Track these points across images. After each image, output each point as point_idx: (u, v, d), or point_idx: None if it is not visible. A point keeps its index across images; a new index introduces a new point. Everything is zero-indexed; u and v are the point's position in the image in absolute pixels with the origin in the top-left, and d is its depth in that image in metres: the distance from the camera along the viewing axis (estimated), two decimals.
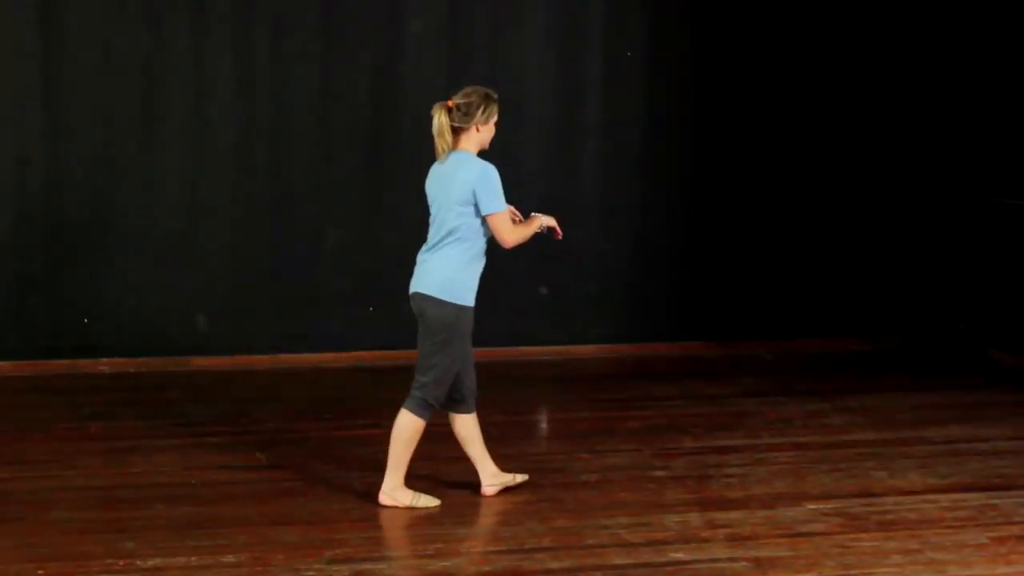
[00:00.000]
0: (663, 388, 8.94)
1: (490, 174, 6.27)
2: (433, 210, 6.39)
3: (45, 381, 8.89)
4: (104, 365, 9.19)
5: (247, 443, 7.44)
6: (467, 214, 6.27)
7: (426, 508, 6.36)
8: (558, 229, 6.51)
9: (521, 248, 8.09)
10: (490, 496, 6.53)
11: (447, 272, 6.29)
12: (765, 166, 10.08)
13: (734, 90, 10.00)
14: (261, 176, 9.44)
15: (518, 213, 6.55)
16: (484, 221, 6.29)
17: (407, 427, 6.35)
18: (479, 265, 6.37)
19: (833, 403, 8.49)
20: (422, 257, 6.42)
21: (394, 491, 6.36)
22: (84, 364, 9.15)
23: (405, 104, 9.55)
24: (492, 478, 6.57)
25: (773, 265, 10.14)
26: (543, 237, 6.58)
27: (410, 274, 9.49)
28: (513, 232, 6.33)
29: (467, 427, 6.52)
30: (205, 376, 9.11)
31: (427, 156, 9.59)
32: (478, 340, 6.79)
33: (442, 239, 6.31)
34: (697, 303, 10.09)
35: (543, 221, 6.46)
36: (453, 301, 6.29)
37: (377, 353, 9.53)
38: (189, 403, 8.39)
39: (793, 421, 8.08)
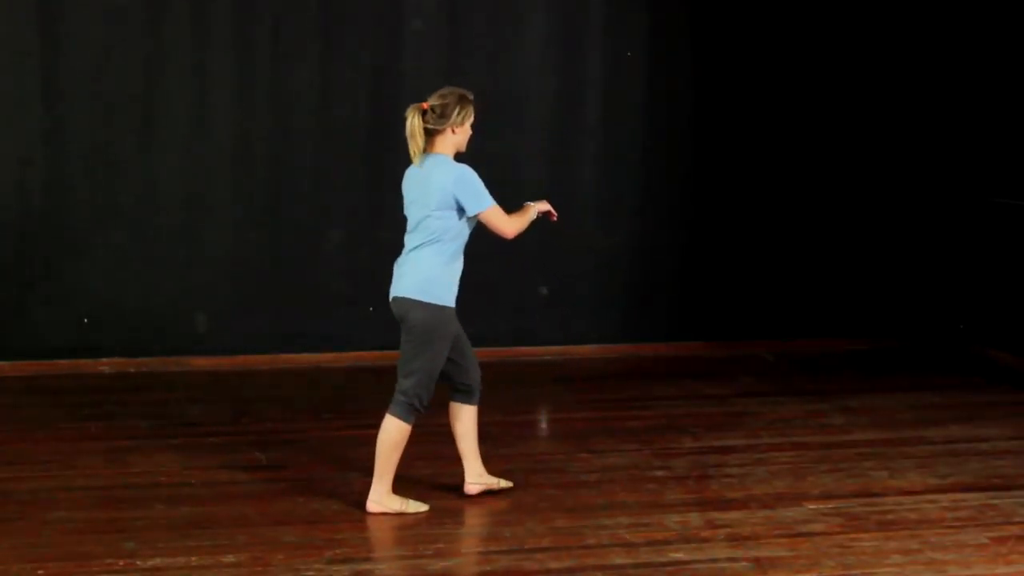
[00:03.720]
0: (663, 388, 8.94)
1: (467, 175, 6.15)
2: (409, 214, 6.27)
3: (45, 381, 8.89)
4: (104, 365, 9.19)
5: (247, 443, 7.44)
6: (445, 217, 6.15)
7: (416, 513, 6.26)
8: (552, 211, 6.42)
9: (521, 248, 8.10)
10: (472, 495, 6.49)
11: (425, 273, 6.18)
12: (765, 166, 10.08)
13: (734, 90, 10.00)
14: (261, 176, 9.44)
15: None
16: (469, 222, 6.20)
17: (394, 433, 6.23)
18: (457, 265, 6.25)
19: (833, 403, 8.48)
20: (399, 261, 6.32)
21: (383, 498, 6.25)
22: (84, 364, 9.15)
23: (405, 104, 9.44)
24: (477, 477, 6.53)
25: (773, 265, 10.14)
26: (541, 223, 6.52)
27: None
28: (511, 223, 6.23)
29: (466, 420, 6.45)
30: (205, 376, 9.11)
31: None
32: (479, 339, 6.77)
33: (418, 243, 6.20)
34: (697, 303, 10.09)
35: (537, 207, 6.38)
36: (433, 302, 6.18)
37: (377, 353, 9.52)
38: (189, 403, 8.39)
39: (793, 421, 8.07)
